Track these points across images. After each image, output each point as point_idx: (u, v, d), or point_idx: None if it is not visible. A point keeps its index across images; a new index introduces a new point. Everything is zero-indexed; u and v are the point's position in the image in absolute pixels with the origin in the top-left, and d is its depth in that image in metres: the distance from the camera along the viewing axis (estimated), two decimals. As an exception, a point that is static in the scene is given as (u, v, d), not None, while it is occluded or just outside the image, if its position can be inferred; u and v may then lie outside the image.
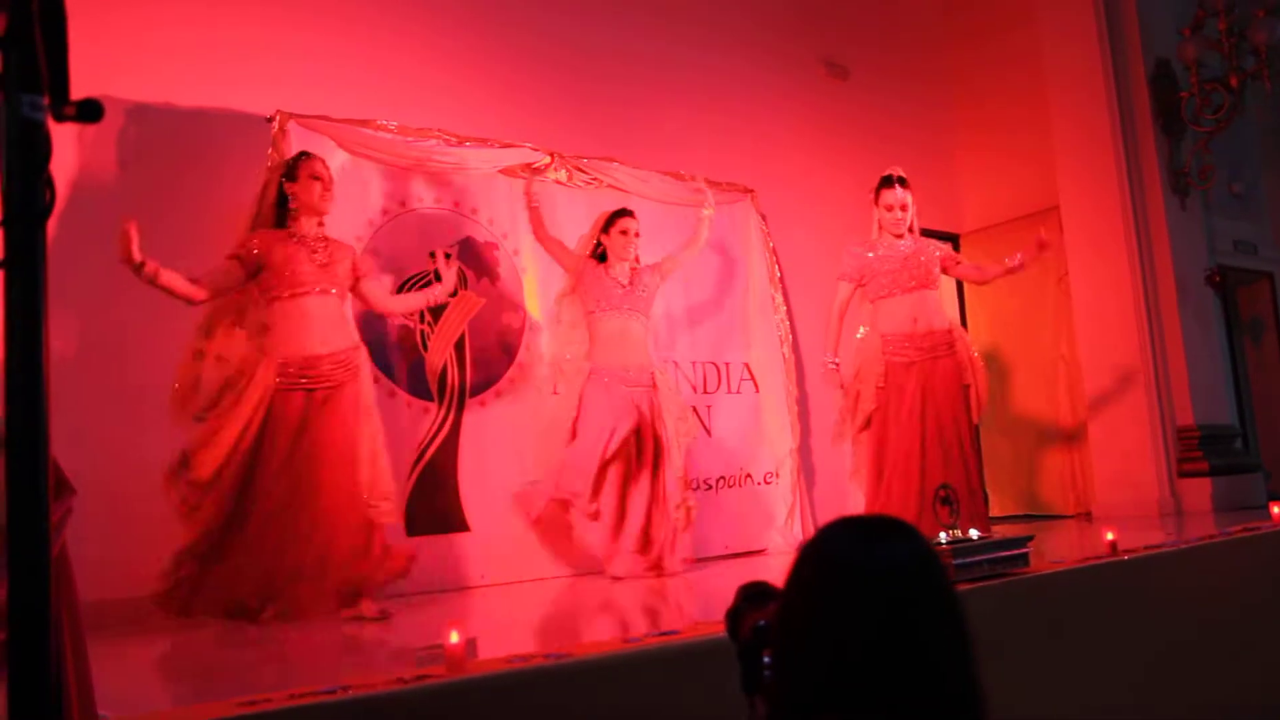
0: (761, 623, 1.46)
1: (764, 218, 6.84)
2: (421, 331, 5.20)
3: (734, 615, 1.57)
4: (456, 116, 5.52)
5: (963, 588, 3.27)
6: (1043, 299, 7.62)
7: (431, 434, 5.11)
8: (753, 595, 1.58)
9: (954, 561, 3.40)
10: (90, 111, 1.16)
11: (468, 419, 5.24)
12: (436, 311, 5.22)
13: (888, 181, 5.31)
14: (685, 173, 6.33)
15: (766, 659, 1.38)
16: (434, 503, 5.04)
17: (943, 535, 3.60)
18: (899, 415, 5.04)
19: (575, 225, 5.80)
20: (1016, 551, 3.69)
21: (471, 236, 5.47)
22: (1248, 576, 4.36)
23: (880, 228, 5.37)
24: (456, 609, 4.26)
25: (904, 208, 5.27)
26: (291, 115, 4.93)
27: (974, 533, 3.70)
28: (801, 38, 7.57)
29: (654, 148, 6.38)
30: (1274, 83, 6.50)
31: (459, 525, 5.11)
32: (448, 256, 4.86)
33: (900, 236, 5.30)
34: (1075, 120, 6.91)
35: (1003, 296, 7.68)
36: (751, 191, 6.79)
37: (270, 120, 4.89)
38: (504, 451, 5.30)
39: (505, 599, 4.56)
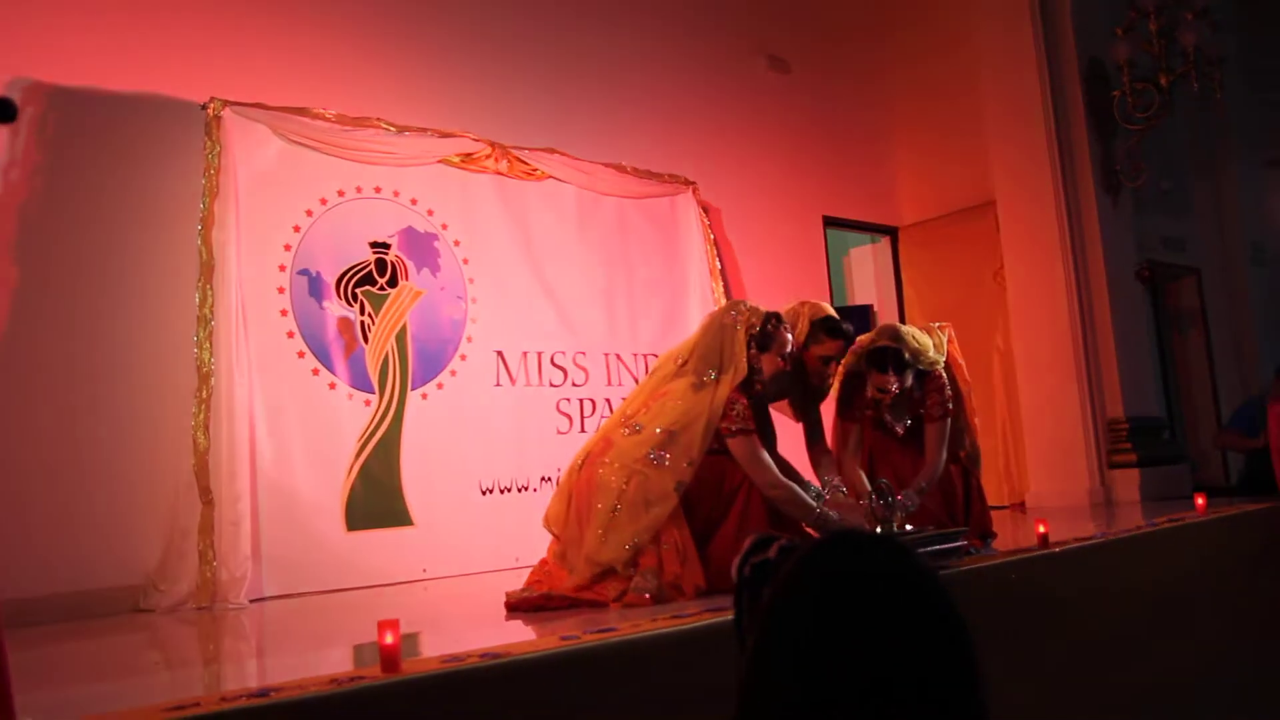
0: (762, 559, 1.42)
1: (705, 210, 6.83)
2: (362, 323, 5.14)
3: (742, 559, 1.54)
4: (396, 105, 5.47)
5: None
6: (979, 293, 7.70)
7: (372, 427, 5.06)
8: (757, 543, 1.55)
9: None
10: (3, 112, 1.12)
11: (410, 411, 5.19)
12: (377, 302, 5.17)
13: (879, 364, 4.16)
14: (626, 164, 6.33)
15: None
16: (375, 497, 4.99)
17: (879, 528, 3.61)
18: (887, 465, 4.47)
19: (512, 216, 5.79)
20: (951, 545, 3.71)
21: (412, 226, 5.42)
22: (1173, 567, 4.44)
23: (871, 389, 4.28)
24: (396, 605, 4.20)
25: (899, 388, 4.20)
26: (227, 102, 4.85)
27: (909, 527, 3.73)
28: (744, 31, 7.57)
29: (595, 139, 6.35)
30: (1201, 83, 6.58)
31: (402, 519, 5.06)
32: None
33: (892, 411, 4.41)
34: (1010, 116, 6.98)
35: (940, 290, 7.76)
36: (693, 184, 6.78)
37: (204, 107, 4.81)
38: (448, 444, 5.27)
39: (448, 594, 4.52)
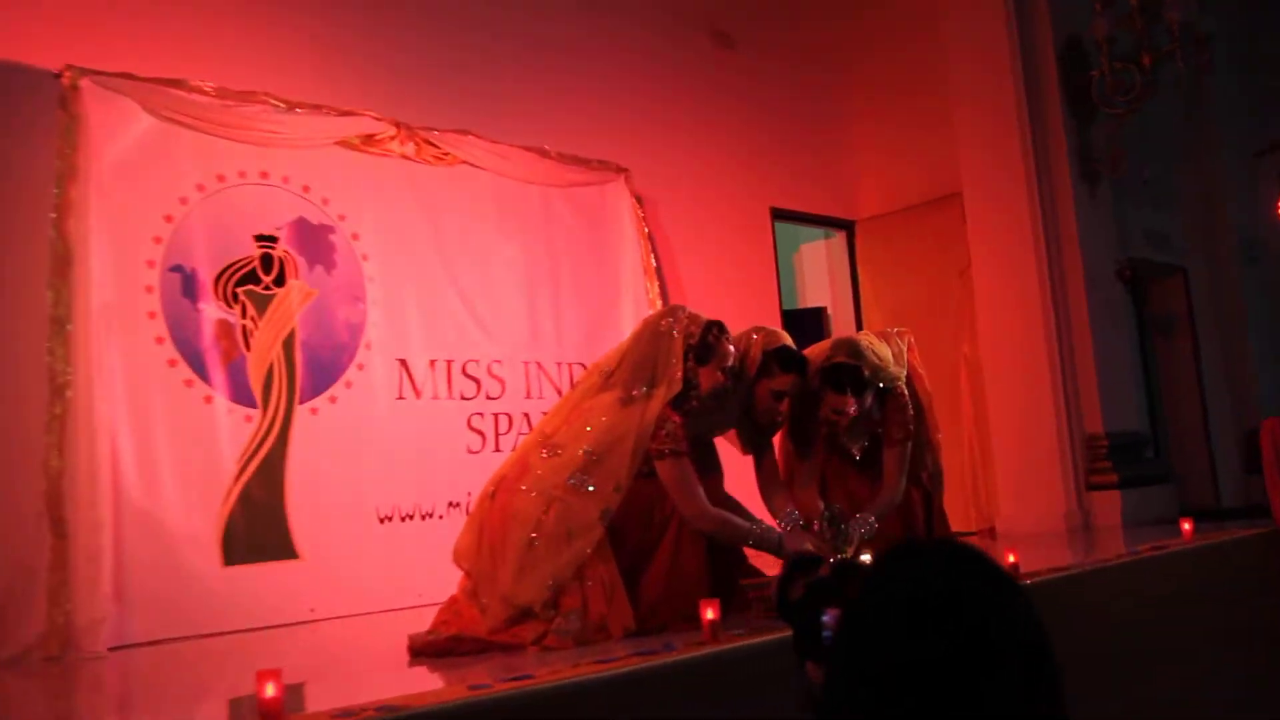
0: (816, 581, 1.56)
1: (639, 200, 6.85)
2: (244, 327, 5.09)
3: (784, 582, 1.66)
4: (286, 79, 5.44)
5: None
6: (944, 294, 7.80)
7: (254, 446, 5.02)
8: (801, 562, 1.69)
9: None
10: None
11: (298, 429, 5.16)
12: (261, 304, 5.13)
13: (836, 383, 4.18)
14: (551, 149, 6.33)
15: (826, 618, 1.49)
16: (256, 527, 4.95)
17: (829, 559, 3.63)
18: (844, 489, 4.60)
19: (420, 207, 5.79)
20: None
21: (304, 217, 5.39)
22: (1155, 599, 4.51)
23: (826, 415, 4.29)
24: (280, 651, 4.14)
25: (858, 411, 4.24)
26: (86, 71, 4.77)
27: (865, 557, 3.76)
28: (683, 2, 7.60)
29: (516, 121, 6.35)
30: (1187, 64, 6.66)
31: (285, 552, 5.03)
32: None
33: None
34: (979, 99, 7.06)
35: (901, 290, 7.84)
36: (625, 171, 6.79)
37: (58, 77, 4.72)
38: (341, 465, 5.25)
39: (341, 637, 4.46)
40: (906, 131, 8.19)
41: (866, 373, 4.20)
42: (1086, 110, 6.92)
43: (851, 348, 4.25)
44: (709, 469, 4.03)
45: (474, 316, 5.94)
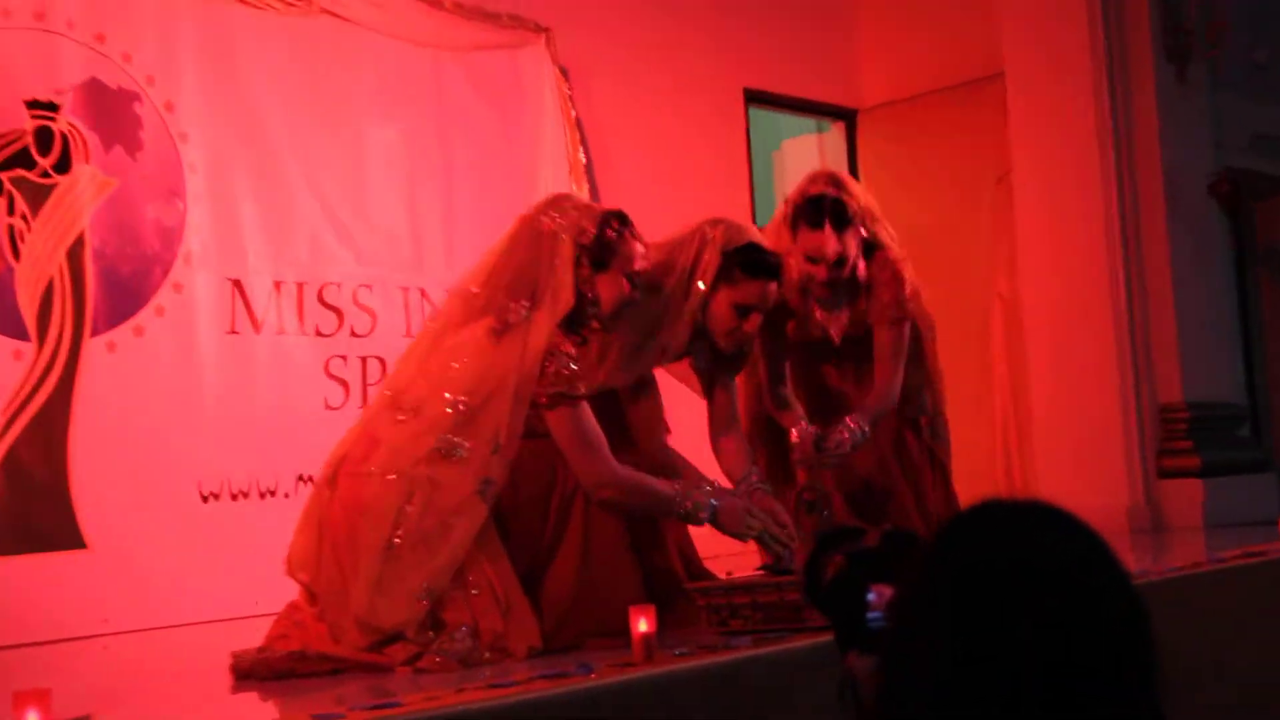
0: (858, 552, 1.65)
1: (564, 72, 6.85)
2: (11, 228, 5.03)
3: (812, 564, 1.74)
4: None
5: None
6: (974, 209, 7.86)
7: (25, 395, 4.97)
8: (829, 537, 1.76)
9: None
10: None
11: (88, 370, 5.12)
12: (37, 196, 5.07)
13: (814, 218, 4.42)
14: (446, -2, 6.27)
15: (872, 596, 1.57)
16: (28, 505, 4.92)
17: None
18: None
19: (265, 72, 5.75)
20: None
21: (97, 78, 5.33)
22: (1244, 621, 4.55)
23: (802, 273, 4.56)
24: (60, 671, 4.10)
25: (840, 262, 4.45)
26: None
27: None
28: None
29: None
30: None
31: (69, 540, 5.00)
32: None
33: (832, 294, 4.65)
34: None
35: (917, 203, 7.83)
36: (546, 31, 6.74)
37: None
38: (149, 423, 5.22)
39: (144, 654, 4.45)
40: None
41: (852, 209, 4.38)
42: (1180, -35, 6.90)
43: (833, 177, 4.47)
44: (648, 417, 4.04)
45: (334, 224, 5.91)
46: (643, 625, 3.14)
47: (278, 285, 5.68)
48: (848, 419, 4.23)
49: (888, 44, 8.37)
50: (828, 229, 4.30)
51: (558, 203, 3.88)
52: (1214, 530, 6.45)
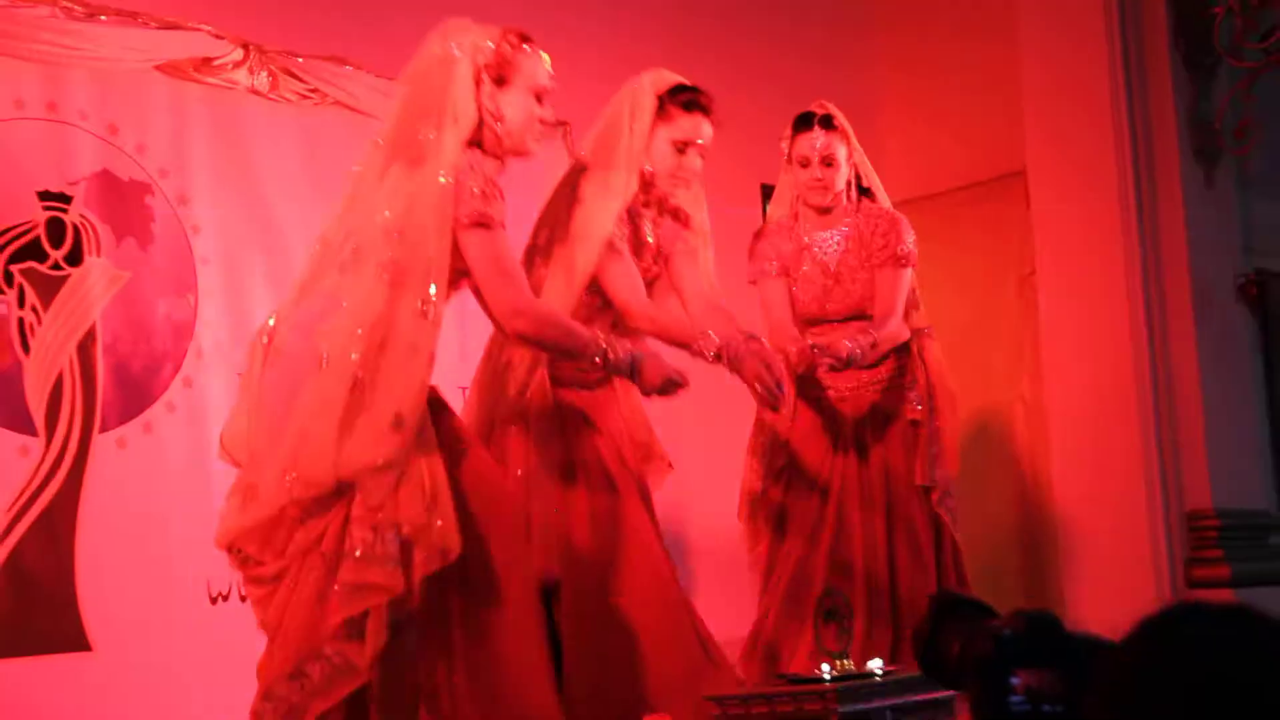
0: (1007, 638, 1.70)
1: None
2: (21, 321, 5.05)
3: (934, 629, 1.87)
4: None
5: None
6: (996, 310, 7.85)
7: (32, 492, 4.97)
8: (947, 605, 1.94)
9: (838, 709, 3.57)
10: None
11: (96, 467, 5.11)
12: (48, 289, 5.10)
13: (801, 123, 5.20)
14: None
15: (1015, 680, 1.64)
16: (31, 605, 4.91)
17: (825, 668, 3.77)
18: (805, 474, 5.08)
19: (278, 162, 5.78)
20: (937, 694, 3.80)
21: (109, 170, 5.36)
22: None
23: (797, 201, 5.32)
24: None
25: (828, 160, 5.15)
26: None
27: (875, 664, 3.89)
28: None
29: (409, 49, 6.28)
30: None
31: (73, 643, 4.97)
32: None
33: (826, 211, 5.27)
34: (1054, 42, 7.09)
35: (937, 303, 7.81)
36: (564, 124, 6.75)
37: None
38: (158, 520, 5.20)
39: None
40: (950, 87, 8.22)
41: (840, 121, 5.19)
42: (1207, 63, 6.94)
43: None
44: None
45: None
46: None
47: (289, 380, 5.66)
48: (845, 337, 4.68)
49: (910, 140, 8.40)
50: (816, 128, 5.07)
51: (455, 29, 3.87)
52: (1247, 640, 6.39)
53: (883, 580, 4.88)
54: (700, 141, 4.51)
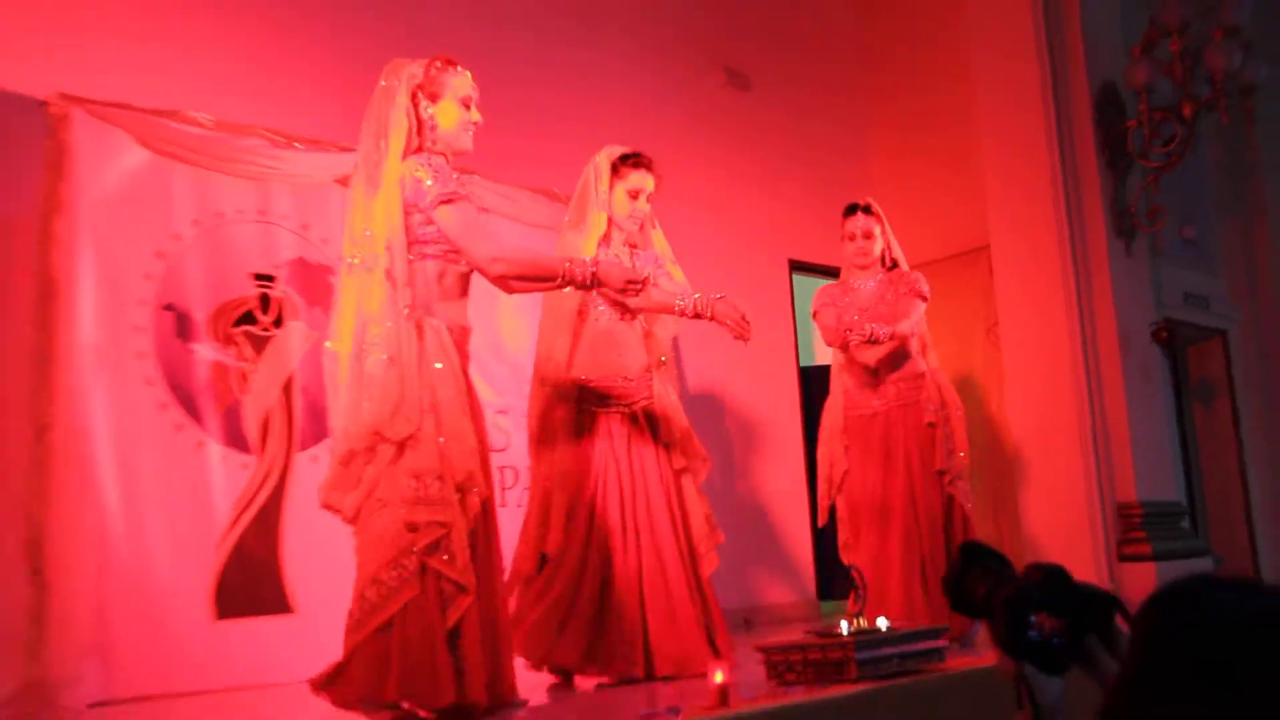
0: (1021, 590, 1.78)
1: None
2: (240, 369, 5.26)
3: (964, 573, 1.92)
4: (285, 112, 5.63)
5: (866, 686, 3.57)
6: (969, 352, 8.08)
7: (251, 495, 5.18)
8: (972, 554, 1.95)
9: (855, 656, 3.62)
10: None
11: (295, 477, 5.32)
12: (259, 345, 5.31)
13: (849, 210, 5.70)
14: (559, 191, 6.45)
15: (1033, 618, 1.73)
16: (251, 578, 5.10)
17: (843, 624, 3.81)
18: (865, 472, 5.51)
19: None
20: (930, 645, 3.96)
21: (303, 257, 5.58)
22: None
23: (847, 264, 5.80)
24: (268, 713, 4.27)
25: (867, 235, 5.62)
26: (76, 100, 4.90)
27: (882, 622, 3.92)
28: (697, 38, 7.88)
29: (522, 161, 6.47)
30: (1230, 114, 6.83)
31: (278, 605, 5.18)
32: None
33: (865, 268, 5.68)
34: (1009, 149, 7.30)
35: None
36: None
37: (46, 105, 4.84)
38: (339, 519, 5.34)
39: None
40: (931, 183, 8.47)
41: (876, 209, 5.66)
42: (1123, 162, 7.14)
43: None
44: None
45: (476, 360, 5.95)
46: (719, 676, 3.18)
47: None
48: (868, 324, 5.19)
49: (900, 224, 8.40)
50: (859, 214, 5.58)
51: (392, 66, 3.80)
52: (1166, 606, 6.48)
53: (913, 541, 5.26)
54: (647, 190, 4.85)
